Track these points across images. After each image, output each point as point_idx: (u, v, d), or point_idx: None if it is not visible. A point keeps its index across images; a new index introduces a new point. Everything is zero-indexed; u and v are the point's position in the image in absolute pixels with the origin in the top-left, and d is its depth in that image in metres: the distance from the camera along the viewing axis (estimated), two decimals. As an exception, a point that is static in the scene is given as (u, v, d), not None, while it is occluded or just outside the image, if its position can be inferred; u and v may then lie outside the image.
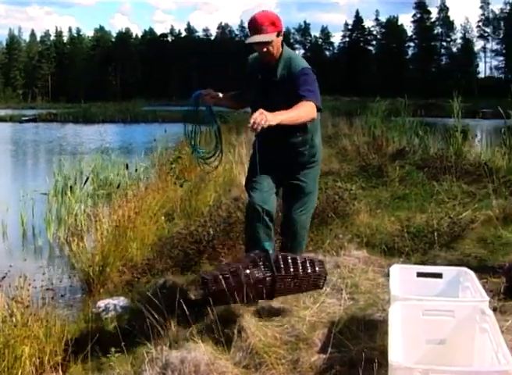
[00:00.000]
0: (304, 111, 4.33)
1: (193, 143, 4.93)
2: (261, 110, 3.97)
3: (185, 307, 4.79)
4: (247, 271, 3.98)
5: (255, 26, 4.44)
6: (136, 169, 12.84)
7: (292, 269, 4.09)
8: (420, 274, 4.16)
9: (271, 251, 4.16)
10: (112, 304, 5.48)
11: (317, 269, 4.23)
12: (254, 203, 4.59)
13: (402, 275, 4.11)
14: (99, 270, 6.25)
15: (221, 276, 3.93)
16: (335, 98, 53.01)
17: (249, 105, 4.75)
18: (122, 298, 5.57)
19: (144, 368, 3.70)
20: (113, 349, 4.54)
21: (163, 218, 8.06)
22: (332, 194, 7.21)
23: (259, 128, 3.92)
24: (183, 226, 7.12)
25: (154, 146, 15.58)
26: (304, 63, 4.62)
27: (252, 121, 3.92)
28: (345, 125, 17.63)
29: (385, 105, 15.97)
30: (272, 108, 4.09)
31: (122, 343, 4.62)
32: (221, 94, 4.79)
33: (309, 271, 4.17)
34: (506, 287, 4.80)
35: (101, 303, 5.51)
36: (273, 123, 3.98)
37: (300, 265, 4.12)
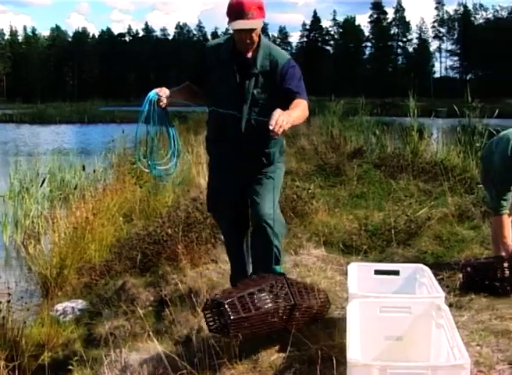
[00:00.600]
0: (303, 110, 3.99)
1: (146, 154, 4.20)
2: (279, 110, 3.62)
3: (144, 308, 4.78)
4: (266, 298, 3.55)
5: (242, 10, 3.86)
6: (94, 171, 12.70)
7: (307, 298, 3.83)
8: (377, 272, 4.21)
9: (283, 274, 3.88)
10: (70, 307, 5.43)
11: (321, 297, 4.02)
12: (230, 237, 4.44)
13: (360, 273, 4.15)
14: (57, 273, 6.18)
15: (238, 303, 3.40)
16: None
17: (210, 101, 4.18)
18: (80, 301, 5.52)
19: (103, 371, 3.68)
20: (72, 352, 4.50)
21: (121, 219, 7.99)
22: (291, 194, 7.23)
23: (281, 131, 3.58)
24: (141, 227, 7.09)
25: (112, 147, 15.42)
26: (286, 54, 4.22)
27: (274, 123, 3.54)
28: (303, 124, 17.63)
29: (342, 105, 16.08)
30: (248, 104, 3.98)
31: (81, 346, 4.59)
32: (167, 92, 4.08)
33: (318, 299, 3.96)
34: (462, 283, 4.87)
35: (59, 306, 5.45)
36: (290, 124, 3.67)
37: (310, 292, 3.91)
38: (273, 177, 4.26)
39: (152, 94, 4.01)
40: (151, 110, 3.99)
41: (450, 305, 4.23)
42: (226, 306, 3.33)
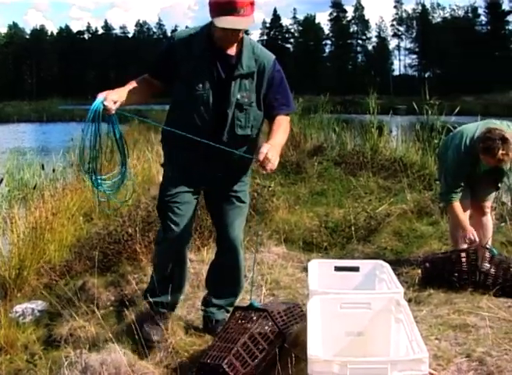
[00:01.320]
0: (286, 130, 3.77)
1: (92, 171, 3.75)
2: (267, 145, 3.40)
3: (104, 309, 4.74)
4: (259, 342, 3.37)
5: (233, 4, 3.34)
6: (53, 170, 12.51)
7: (292, 319, 3.73)
8: (337, 268, 4.23)
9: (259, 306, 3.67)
10: (29, 308, 5.35)
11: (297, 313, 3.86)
12: (171, 247, 3.88)
13: (320, 269, 4.17)
14: (16, 274, 6.06)
15: (235, 360, 3.21)
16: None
17: (180, 97, 3.71)
18: (40, 302, 5.43)
19: (62, 372, 3.63)
20: (32, 354, 4.44)
21: (81, 218, 7.90)
22: (251, 192, 7.21)
23: (269, 167, 3.38)
24: (101, 227, 7.03)
25: (71, 146, 15.24)
26: (271, 53, 3.78)
27: (263, 158, 3.35)
28: (264, 122, 17.67)
29: (302, 102, 16.12)
30: (232, 109, 3.61)
31: (41, 347, 4.53)
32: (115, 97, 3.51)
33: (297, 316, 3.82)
34: (420, 278, 4.93)
35: (19, 308, 5.36)
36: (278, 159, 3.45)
37: (291, 311, 3.79)
38: (245, 202, 4.01)
39: (97, 103, 3.49)
40: (95, 122, 3.56)
41: (409, 301, 4.29)
42: (225, 367, 3.15)
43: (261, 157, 3.34)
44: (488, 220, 5.29)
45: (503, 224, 5.82)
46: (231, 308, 3.98)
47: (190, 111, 3.64)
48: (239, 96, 3.60)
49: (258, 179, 8.39)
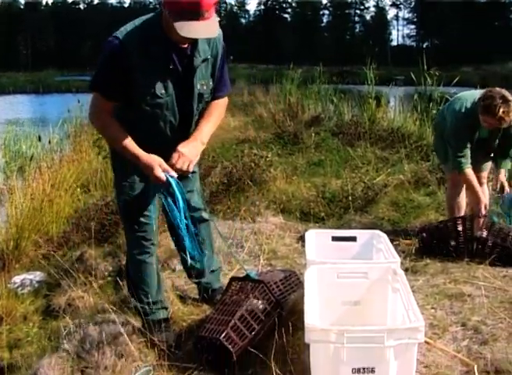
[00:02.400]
0: (220, 116, 3.56)
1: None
2: (180, 151, 3.22)
3: (102, 279, 4.76)
4: (256, 315, 3.34)
5: (198, 10, 2.94)
6: (49, 141, 12.50)
7: (289, 288, 3.71)
8: (335, 238, 4.24)
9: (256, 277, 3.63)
10: (28, 279, 5.37)
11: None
12: (145, 245, 3.63)
13: (317, 240, 4.17)
14: (14, 245, 6.08)
15: (232, 333, 3.20)
16: (251, 66, 52.97)
17: (140, 103, 3.24)
18: (38, 273, 5.46)
19: (61, 342, 3.65)
20: (31, 325, 4.47)
21: (79, 190, 7.90)
22: (249, 162, 7.23)
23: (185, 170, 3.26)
24: (99, 198, 7.02)
25: (68, 117, 15.18)
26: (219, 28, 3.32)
27: (177, 167, 3.22)
28: (261, 93, 17.61)
29: (300, 73, 16.04)
30: (196, 103, 3.37)
31: (40, 318, 4.56)
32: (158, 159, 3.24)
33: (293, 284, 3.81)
34: (417, 248, 4.95)
35: (17, 279, 5.39)
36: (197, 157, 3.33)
37: (286, 280, 3.76)
38: (196, 171, 3.76)
39: (174, 183, 3.24)
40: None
41: (406, 270, 4.31)
42: (223, 341, 3.15)
43: (172, 161, 3.22)
44: (485, 190, 5.28)
45: (499, 195, 5.81)
46: (221, 274, 4.07)
47: (155, 120, 3.32)
48: (199, 86, 3.33)
49: (255, 149, 8.39)
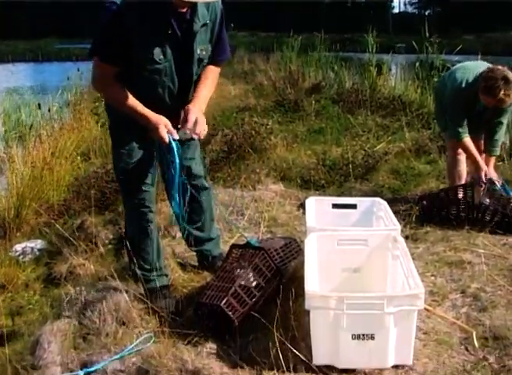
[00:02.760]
0: (214, 83, 3.55)
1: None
2: (194, 112, 3.24)
3: (103, 246, 4.77)
4: (257, 282, 3.38)
5: None
6: (49, 109, 12.44)
7: (289, 255, 3.73)
8: (335, 205, 4.24)
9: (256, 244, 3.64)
10: (29, 247, 5.38)
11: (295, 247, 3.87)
12: (144, 212, 3.61)
13: (318, 207, 4.18)
14: (15, 213, 6.09)
15: (233, 300, 3.21)
16: (251, 33, 52.52)
17: (140, 66, 3.23)
18: (39, 241, 5.46)
19: (63, 309, 3.67)
20: (32, 292, 4.48)
21: (79, 158, 7.90)
22: (249, 130, 7.20)
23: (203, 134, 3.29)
24: (99, 166, 7.01)
25: (67, 85, 15.09)
26: None
27: (196, 130, 3.23)
28: (261, 61, 17.51)
29: (300, 40, 15.93)
30: (190, 68, 3.32)
31: (41, 285, 4.58)
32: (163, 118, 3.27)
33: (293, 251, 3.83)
34: (417, 215, 4.95)
35: (18, 247, 5.40)
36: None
37: (287, 247, 3.78)
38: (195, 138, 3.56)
39: (174, 144, 3.26)
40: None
41: (406, 238, 4.32)
42: (224, 307, 3.16)
43: (190, 125, 3.23)
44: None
45: (500, 163, 5.81)
46: (220, 241, 4.09)
47: (153, 87, 3.31)
48: (198, 51, 3.31)
49: (256, 117, 8.35)
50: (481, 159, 4.98)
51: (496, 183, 4.91)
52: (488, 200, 4.76)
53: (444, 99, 5.10)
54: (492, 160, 5.11)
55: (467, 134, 4.92)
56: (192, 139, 3.41)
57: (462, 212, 4.82)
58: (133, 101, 3.24)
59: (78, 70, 15.22)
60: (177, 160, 3.28)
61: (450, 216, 4.85)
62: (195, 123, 3.25)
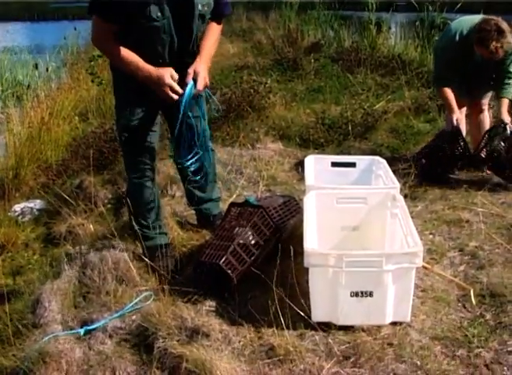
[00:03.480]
0: (218, 39, 3.56)
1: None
2: (199, 67, 3.26)
3: (102, 206, 4.78)
4: (255, 240, 3.39)
5: None
6: (47, 69, 12.31)
7: (288, 213, 3.74)
8: (334, 164, 4.23)
9: (255, 202, 3.66)
10: (28, 207, 5.40)
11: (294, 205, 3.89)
12: (145, 170, 3.64)
13: (317, 165, 4.17)
14: (13, 174, 6.09)
15: (232, 258, 3.24)
16: (249, -9, 51.84)
17: (133, 36, 3.19)
18: (38, 201, 5.48)
19: (63, 268, 3.69)
20: (32, 252, 4.50)
21: (77, 118, 7.85)
22: (248, 88, 7.14)
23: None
24: (97, 126, 6.99)
25: (64, 44, 14.92)
26: None
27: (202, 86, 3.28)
28: (259, 19, 17.26)
29: (299, -2, 15.72)
30: (191, 24, 3.27)
31: (41, 245, 4.60)
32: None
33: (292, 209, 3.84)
34: (416, 174, 4.95)
35: (17, 207, 5.42)
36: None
37: (285, 205, 3.78)
38: (202, 95, 3.64)
39: (189, 90, 3.26)
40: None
41: (405, 196, 4.32)
42: (223, 266, 3.18)
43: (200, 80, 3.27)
44: (486, 116, 5.25)
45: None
46: (220, 200, 4.11)
47: (152, 44, 3.26)
48: (200, 7, 3.25)
49: (254, 75, 8.28)
50: (456, 110, 4.93)
51: (507, 127, 4.87)
52: (502, 143, 4.77)
53: (439, 50, 5.06)
54: (505, 103, 4.99)
55: (448, 86, 4.92)
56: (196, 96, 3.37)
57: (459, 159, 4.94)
58: (133, 57, 3.21)
59: (75, 29, 15.02)
60: (186, 97, 3.24)
61: (449, 169, 4.90)
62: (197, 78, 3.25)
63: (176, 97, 3.22)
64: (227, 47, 12.35)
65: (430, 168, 4.96)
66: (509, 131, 4.81)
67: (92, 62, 9.04)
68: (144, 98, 3.40)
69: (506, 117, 4.87)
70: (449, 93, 4.91)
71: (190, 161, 3.44)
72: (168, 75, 3.20)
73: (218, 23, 3.53)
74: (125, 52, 3.20)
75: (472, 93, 5.09)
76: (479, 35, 4.59)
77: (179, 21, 3.22)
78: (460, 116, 4.94)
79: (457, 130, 4.88)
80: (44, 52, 15.14)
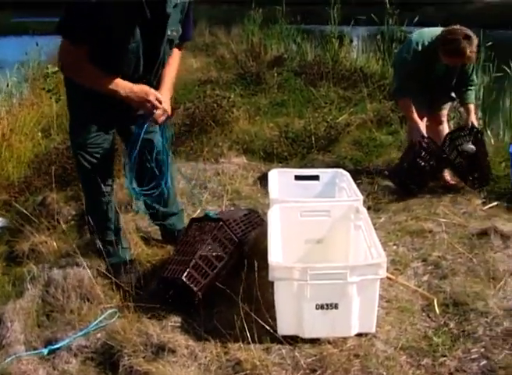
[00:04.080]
0: (178, 65, 3.60)
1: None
2: (157, 96, 3.23)
3: (66, 223, 4.72)
4: (217, 253, 3.40)
5: None
6: (7, 85, 12.18)
7: (249, 226, 3.76)
8: (298, 177, 4.26)
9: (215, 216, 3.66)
10: (-11, 225, 5.31)
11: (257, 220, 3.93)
12: (101, 187, 3.58)
13: (280, 179, 4.19)
14: (-26, 192, 5.99)
15: (194, 272, 3.24)
16: (212, 6, 51.95)
17: (101, 55, 3.12)
18: (0, 219, 5.39)
19: (25, 287, 3.64)
20: (-7, 271, 4.42)
21: (39, 134, 7.75)
22: (211, 103, 7.13)
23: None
24: (59, 142, 6.91)
25: (25, 60, 14.78)
26: None
27: (159, 116, 3.29)
28: (222, 33, 17.33)
29: (262, 13, 15.79)
30: (159, 46, 3.25)
31: (3, 264, 4.52)
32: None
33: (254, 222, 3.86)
34: (397, 189, 4.98)
35: (-22, 225, 5.32)
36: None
37: (248, 219, 3.81)
38: None
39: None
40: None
41: (368, 208, 4.36)
42: (185, 280, 3.19)
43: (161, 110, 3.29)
44: (445, 128, 5.30)
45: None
46: (184, 215, 4.10)
47: (118, 64, 3.20)
48: (169, 32, 3.24)
49: (218, 90, 8.30)
50: (419, 120, 4.98)
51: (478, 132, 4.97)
52: (473, 147, 4.85)
53: (399, 60, 5.12)
54: (472, 108, 5.10)
55: (408, 97, 4.95)
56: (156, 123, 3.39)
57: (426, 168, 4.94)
58: (111, 76, 3.16)
59: (37, 45, 14.90)
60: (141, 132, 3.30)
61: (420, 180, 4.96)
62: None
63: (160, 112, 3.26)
64: (190, 62, 12.35)
65: (412, 183, 4.96)
66: (479, 135, 4.92)
67: (48, 80, 8.96)
68: (100, 116, 3.38)
69: (475, 122, 5.02)
70: (409, 104, 4.96)
71: (150, 191, 3.47)
72: (153, 96, 3.23)
73: (180, 49, 3.56)
74: (101, 73, 3.15)
75: (433, 104, 5.15)
76: (450, 46, 4.61)
77: (148, 44, 3.19)
78: (422, 124, 5.00)
79: (428, 138, 4.93)
80: (4, 68, 14.99)
